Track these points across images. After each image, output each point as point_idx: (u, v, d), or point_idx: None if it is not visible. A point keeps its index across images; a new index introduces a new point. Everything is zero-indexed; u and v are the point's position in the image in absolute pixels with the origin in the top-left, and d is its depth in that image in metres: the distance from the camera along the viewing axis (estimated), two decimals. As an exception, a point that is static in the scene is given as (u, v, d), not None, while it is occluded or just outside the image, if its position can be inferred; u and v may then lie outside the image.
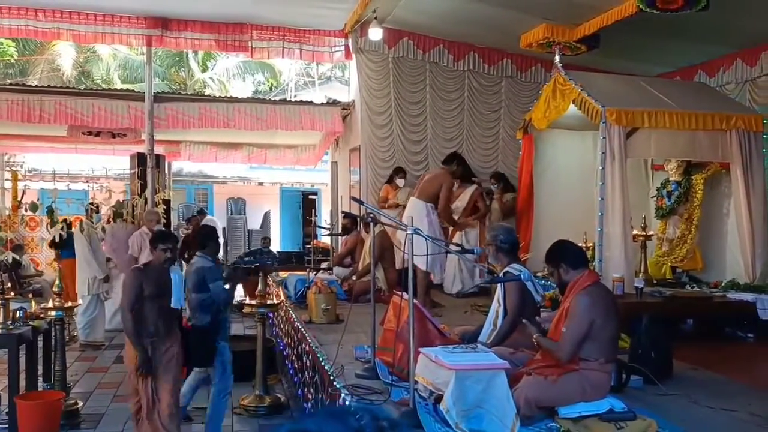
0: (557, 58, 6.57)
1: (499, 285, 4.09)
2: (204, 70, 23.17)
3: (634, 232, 6.34)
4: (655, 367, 3.95)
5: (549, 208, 7.23)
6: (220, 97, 10.61)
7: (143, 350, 4.19)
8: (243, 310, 8.04)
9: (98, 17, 8.94)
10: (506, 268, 4.05)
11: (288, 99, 15.71)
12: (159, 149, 10.79)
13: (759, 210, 6.10)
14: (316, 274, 7.30)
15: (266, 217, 17.88)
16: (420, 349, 3.28)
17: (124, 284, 4.42)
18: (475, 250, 4.22)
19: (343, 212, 7.60)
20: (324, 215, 17.76)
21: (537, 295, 4.06)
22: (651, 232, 6.67)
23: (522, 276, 3.52)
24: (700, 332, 5.83)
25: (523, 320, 3.68)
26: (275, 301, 6.03)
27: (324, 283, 6.21)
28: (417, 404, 3.15)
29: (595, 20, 7.60)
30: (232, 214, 17.42)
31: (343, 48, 9.72)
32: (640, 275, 6.24)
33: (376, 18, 8.50)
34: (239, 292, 11.92)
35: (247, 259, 12.66)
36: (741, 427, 3.29)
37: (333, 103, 10.63)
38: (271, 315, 8.37)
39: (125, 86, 16.47)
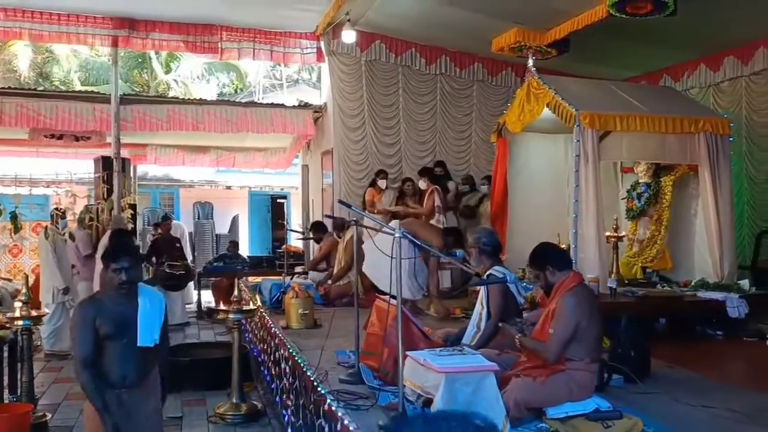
0: (531, 62, 6.64)
1: (482, 288, 4.10)
2: (168, 71, 22.76)
3: (607, 233, 6.44)
4: (634, 366, 4.02)
5: (523, 211, 7.31)
6: (188, 99, 10.48)
7: (106, 411, 3.01)
8: (219, 317, 7.89)
9: (62, 17, 8.71)
10: (489, 271, 4.07)
11: (256, 101, 15.53)
12: (125, 152, 10.55)
13: (726, 211, 6.27)
14: (291, 279, 7.21)
15: (234, 221, 17.66)
16: (408, 353, 3.26)
17: (71, 327, 3.22)
18: (457, 254, 4.22)
19: (328, 215, 7.54)
20: (294, 219, 17.68)
21: (520, 297, 4.10)
22: (622, 234, 6.79)
23: (507, 278, 3.54)
24: (672, 331, 5.95)
25: (500, 324, 3.71)
26: (251, 307, 5.93)
27: (301, 288, 6.15)
28: (405, 408, 3.13)
29: (566, 25, 7.74)
30: (199, 218, 17.13)
31: (314, 50, 9.67)
32: (613, 275, 6.34)
33: (349, 20, 8.48)
34: (208, 298, 11.81)
35: (216, 264, 12.54)
36: (721, 423, 3.35)
37: (305, 105, 10.58)
38: (245, 321, 8.26)
39: (86, 88, 16.10)
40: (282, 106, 10.31)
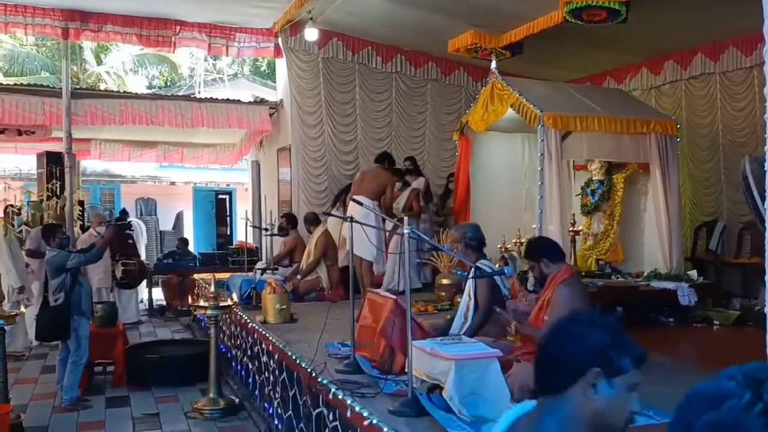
0: (494, 64, 6.93)
1: (469, 280, 4.32)
2: (99, 62, 22.01)
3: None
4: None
5: (484, 206, 7.60)
6: (142, 93, 10.23)
7: None
8: (196, 312, 7.82)
9: (8, 7, 8.36)
10: (477, 264, 4.30)
11: (205, 96, 15.27)
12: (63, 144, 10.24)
13: (674, 206, 6.76)
14: (261, 275, 7.25)
15: (179, 217, 17.33)
16: (414, 343, 3.44)
17: None
18: (445, 248, 4.43)
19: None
20: (239, 214, 17.47)
21: (504, 289, 4.34)
22: (579, 228, 7.19)
23: (506, 271, 3.77)
24: (629, 318, 6.37)
25: (497, 309, 3.95)
26: (228, 303, 5.96)
27: (277, 283, 6.21)
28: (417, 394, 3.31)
29: (521, 28, 8.06)
30: (142, 215, 16.71)
31: (271, 46, 9.66)
32: (572, 268, 6.73)
33: (311, 19, 8.54)
34: (158, 296, 11.60)
35: (166, 261, 12.29)
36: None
37: (261, 101, 10.54)
38: (203, 318, 8.21)
39: (12, 80, 15.36)
40: (238, 102, 10.23)
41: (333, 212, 7.21)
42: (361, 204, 3.70)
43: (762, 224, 3.12)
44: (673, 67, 8.76)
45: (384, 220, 6.34)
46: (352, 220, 3.91)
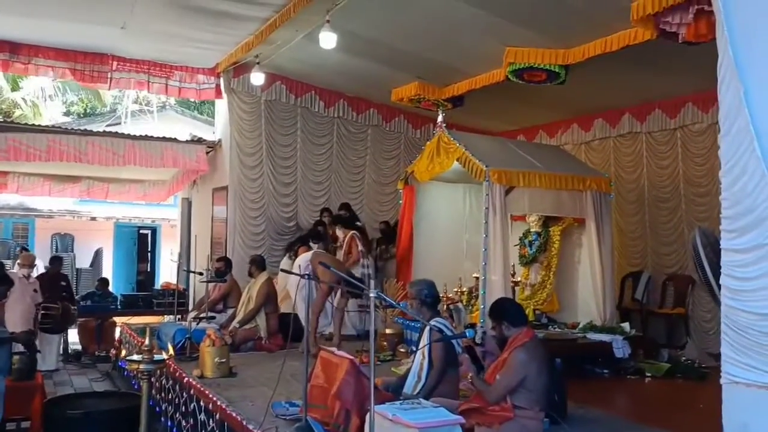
0: (440, 118, 7.09)
1: (425, 337, 4.30)
2: (15, 89, 20.96)
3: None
4: (559, 408, 4.39)
5: (427, 254, 7.67)
6: (72, 129, 9.76)
7: None
8: (128, 367, 7.35)
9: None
10: (431, 322, 4.29)
11: (121, 125, 14.78)
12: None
13: (608, 260, 7.04)
14: (197, 324, 6.95)
15: (97, 254, 16.48)
16: (376, 408, 3.36)
17: None
18: (400, 305, 4.40)
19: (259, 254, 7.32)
20: (164, 253, 16.83)
21: (458, 347, 4.34)
22: (518, 279, 7.35)
23: (467, 334, 3.77)
24: (567, 370, 6.51)
25: (465, 354, 3.93)
26: (163, 357, 5.64)
27: (217, 335, 5.96)
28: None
29: (464, 83, 8.33)
30: (57, 251, 15.80)
31: (213, 86, 9.51)
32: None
33: (258, 63, 8.48)
34: (74, 339, 10.89)
35: (84, 303, 11.60)
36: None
37: (198, 141, 10.29)
38: (124, 364, 7.77)
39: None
40: (174, 140, 9.95)
41: (287, 268, 7.06)
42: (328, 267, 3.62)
43: (712, 296, 3.28)
44: (602, 124, 9.25)
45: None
46: (309, 277, 3.82)
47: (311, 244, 7.49)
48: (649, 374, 6.44)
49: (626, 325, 6.86)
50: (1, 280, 5.43)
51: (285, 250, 8.77)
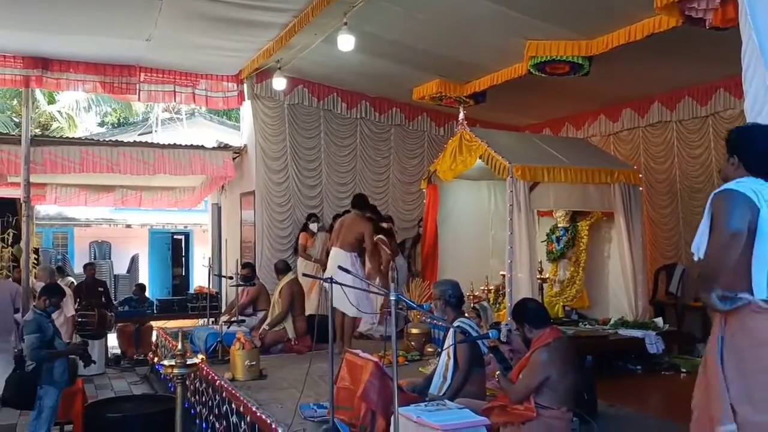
0: (462, 115, 7.04)
1: (450, 337, 4.29)
2: (51, 102, 21.51)
3: (534, 275, 6.87)
4: (588, 407, 4.33)
5: (452, 253, 7.64)
6: (103, 140, 9.95)
7: None
8: (163, 371, 7.53)
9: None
10: (456, 323, 4.27)
11: (171, 143, 15.02)
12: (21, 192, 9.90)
13: (639, 253, 6.91)
14: (228, 327, 7.05)
15: (134, 261, 16.86)
16: (400, 410, 3.36)
17: None
18: (424, 306, 4.39)
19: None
20: (197, 257, 17.09)
21: (484, 347, 4.32)
22: (546, 275, 7.27)
23: (491, 335, 3.75)
24: (598, 368, 6.41)
25: (491, 353, 3.92)
26: (195, 360, 5.74)
27: (247, 338, 6.04)
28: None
29: (486, 79, 8.25)
30: (96, 258, 16.20)
31: (236, 93, 9.63)
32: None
33: (279, 68, 8.56)
34: (113, 343, 11.15)
35: (122, 308, 11.88)
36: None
37: (225, 147, 10.43)
38: (161, 367, 7.92)
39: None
40: (202, 147, 10.10)
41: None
42: (348, 272, 3.64)
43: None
44: (631, 114, 9.06)
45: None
46: (332, 281, 3.84)
47: (310, 226, 7.64)
48: (684, 370, 6.30)
49: (659, 320, 6.72)
50: (55, 291, 5.53)
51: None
